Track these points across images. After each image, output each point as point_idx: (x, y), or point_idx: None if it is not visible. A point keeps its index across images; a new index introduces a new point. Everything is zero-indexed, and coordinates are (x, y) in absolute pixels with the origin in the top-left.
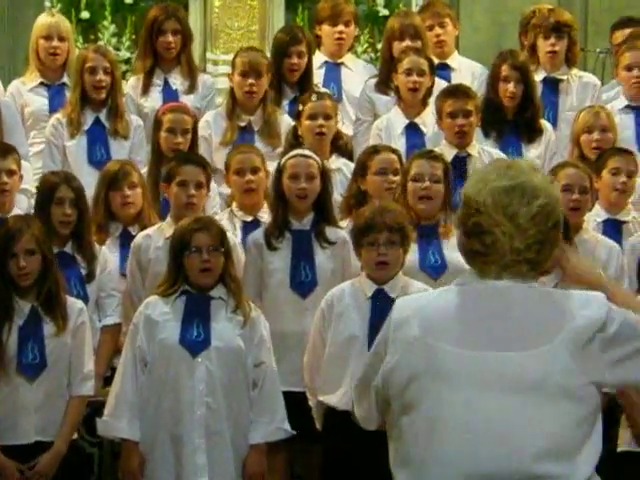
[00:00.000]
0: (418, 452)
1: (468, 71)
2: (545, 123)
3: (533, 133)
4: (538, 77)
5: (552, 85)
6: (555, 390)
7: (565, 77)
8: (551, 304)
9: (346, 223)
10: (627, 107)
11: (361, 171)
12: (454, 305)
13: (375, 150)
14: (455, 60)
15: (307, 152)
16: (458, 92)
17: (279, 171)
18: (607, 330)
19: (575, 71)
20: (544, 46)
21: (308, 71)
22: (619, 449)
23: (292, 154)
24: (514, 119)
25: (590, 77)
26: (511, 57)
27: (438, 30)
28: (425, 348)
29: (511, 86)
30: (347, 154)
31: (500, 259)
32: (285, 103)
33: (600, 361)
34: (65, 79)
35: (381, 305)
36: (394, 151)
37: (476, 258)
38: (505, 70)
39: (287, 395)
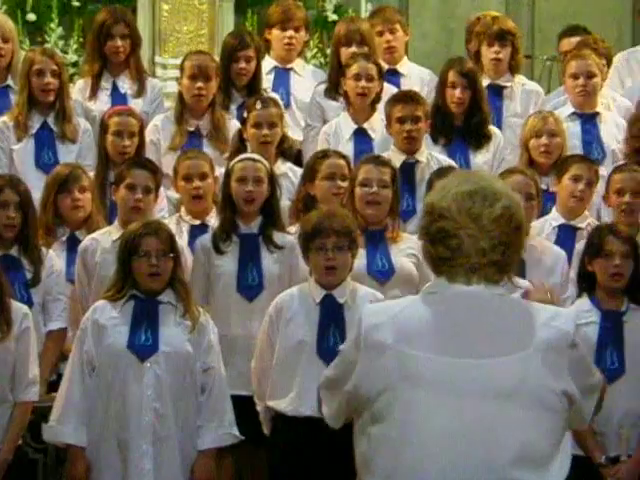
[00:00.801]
0: (392, 461)
1: (417, 77)
2: (494, 129)
3: (481, 139)
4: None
5: (496, 92)
6: (529, 397)
7: (509, 84)
8: (523, 313)
9: (294, 228)
10: (573, 114)
11: (309, 176)
12: (426, 312)
13: (324, 155)
14: (404, 66)
15: (255, 156)
16: (407, 98)
17: (227, 175)
18: (574, 350)
19: (518, 78)
20: (488, 53)
21: (257, 76)
22: None
23: (240, 158)
24: (462, 125)
25: (533, 85)
26: (458, 64)
27: (388, 36)
28: (399, 356)
29: (458, 92)
30: (292, 158)
31: (466, 261)
32: (234, 108)
33: (568, 373)
34: (9, 81)
35: (330, 310)
36: (343, 156)
37: (443, 264)
38: (452, 76)
39: (235, 399)
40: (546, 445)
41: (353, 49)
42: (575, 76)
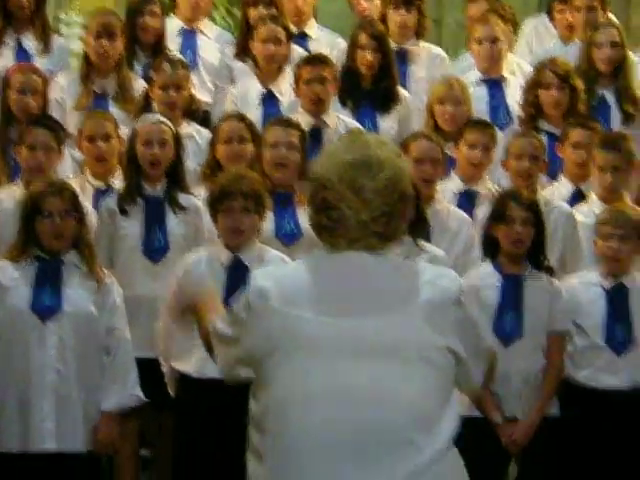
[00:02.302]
0: (280, 422)
1: (326, 41)
2: (403, 92)
3: (389, 103)
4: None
5: (401, 56)
6: (413, 354)
7: (414, 48)
8: (407, 272)
9: (203, 190)
10: (480, 79)
11: (214, 139)
12: (310, 276)
13: (222, 119)
14: (313, 29)
15: (161, 118)
16: (316, 60)
17: (132, 137)
18: (459, 309)
19: (423, 43)
20: (394, 17)
21: (161, 34)
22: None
23: (145, 120)
24: (371, 89)
25: (438, 50)
26: (370, 26)
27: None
28: (284, 318)
29: (369, 55)
30: (199, 120)
31: (347, 233)
32: (139, 67)
33: (453, 331)
34: None
35: (237, 272)
36: (242, 119)
37: (325, 232)
38: (363, 39)
39: (139, 361)
40: (434, 402)
41: (260, 10)
42: (480, 41)
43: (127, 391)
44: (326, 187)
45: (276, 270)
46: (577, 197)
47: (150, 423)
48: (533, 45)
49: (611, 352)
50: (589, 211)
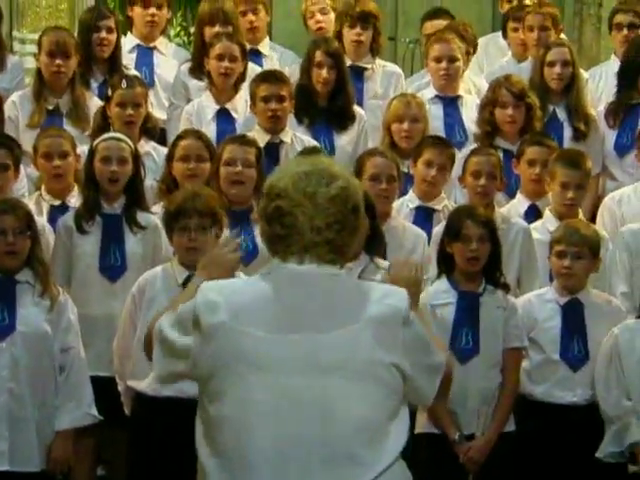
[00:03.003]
0: (230, 440)
1: (279, 58)
2: (358, 110)
3: (345, 120)
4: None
5: (357, 73)
6: (359, 370)
7: (369, 66)
8: (355, 291)
9: (159, 208)
10: (436, 97)
11: (170, 156)
12: (259, 291)
13: (180, 136)
14: (267, 46)
15: (119, 135)
16: (272, 77)
17: (91, 154)
18: (408, 327)
19: (379, 60)
20: (349, 35)
21: (117, 51)
22: (416, 431)
23: (104, 137)
24: (326, 106)
25: (393, 67)
26: (325, 43)
27: (251, 16)
28: (233, 334)
29: (325, 72)
30: (155, 137)
31: (301, 239)
32: (94, 85)
33: (400, 349)
34: None
35: None
36: (200, 137)
37: (278, 243)
38: (319, 56)
39: (95, 380)
40: (379, 418)
41: (217, 28)
42: (438, 59)
43: (82, 410)
44: (280, 196)
45: (226, 285)
46: (533, 213)
47: (106, 442)
48: (484, 63)
49: (567, 367)
50: (543, 228)
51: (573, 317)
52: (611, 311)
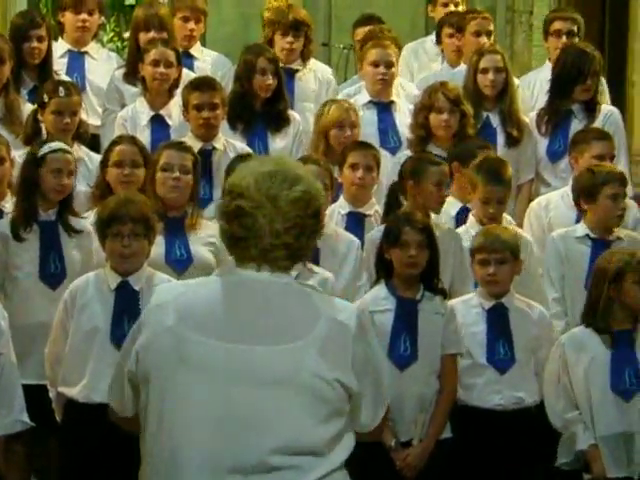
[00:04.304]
0: (163, 446)
1: (211, 63)
2: (293, 114)
3: (281, 122)
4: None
5: (288, 75)
6: (303, 386)
7: (301, 68)
8: (307, 304)
9: (92, 214)
10: (370, 102)
11: (105, 162)
12: (210, 296)
13: (114, 142)
14: (198, 50)
15: (67, 147)
16: (204, 85)
17: (31, 161)
18: (359, 343)
19: (311, 64)
20: (281, 42)
21: (48, 58)
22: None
23: (53, 148)
24: (263, 110)
25: (325, 70)
26: (267, 50)
27: (192, 24)
28: (176, 337)
29: (268, 79)
30: (86, 142)
31: (260, 242)
32: (24, 91)
33: (349, 365)
34: None
35: (125, 297)
36: (135, 142)
37: (236, 243)
38: (262, 63)
39: (35, 387)
40: (319, 434)
41: (152, 34)
42: (376, 64)
43: (12, 416)
44: (242, 195)
45: (176, 286)
46: (463, 215)
47: (37, 447)
48: (414, 69)
49: (494, 371)
50: (467, 234)
51: (498, 321)
52: (534, 315)
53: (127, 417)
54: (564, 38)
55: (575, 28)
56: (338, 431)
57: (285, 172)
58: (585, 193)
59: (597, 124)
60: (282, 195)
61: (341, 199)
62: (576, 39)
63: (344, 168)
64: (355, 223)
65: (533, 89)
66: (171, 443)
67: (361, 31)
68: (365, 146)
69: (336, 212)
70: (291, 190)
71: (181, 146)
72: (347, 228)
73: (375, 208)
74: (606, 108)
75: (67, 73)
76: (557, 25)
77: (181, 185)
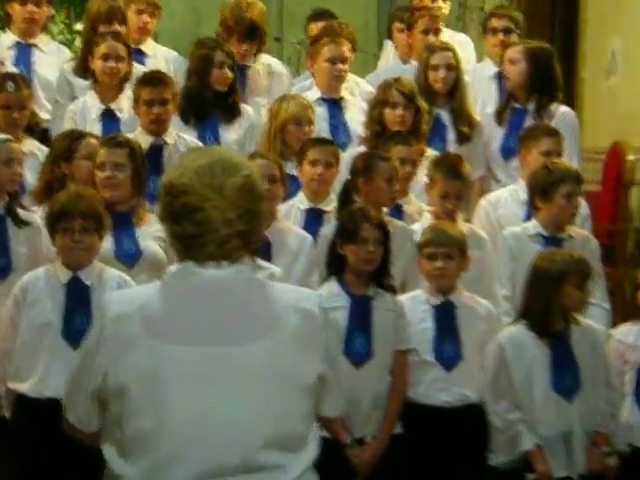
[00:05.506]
0: (148, 454)
1: (163, 58)
2: (246, 107)
3: (234, 115)
4: None
5: (240, 72)
6: (282, 381)
7: (252, 63)
8: (272, 297)
9: (40, 209)
10: (321, 99)
11: (65, 155)
12: (178, 301)
13: (81, 135)
14: (150, 46)
15: (11, 137)
16: (155, 80)
17: None
18: (323, 332)
19: (263, 58)
20: (236, 47)
21: None
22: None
23: (2, 139)
24: (214, 103)
25: (277, 65)
26: (223, 44)
27: (146, 18)
28: (149, 349)
29: (227, 72)
30: (38, 136)
31: (216, 235)
32: None
33: (323, 353)
34: None
35: (76, 292)
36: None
37: (191, 242)
38: (220, 56)
39: None
40: (302, 429)
41: (115, 27)
42: (332, 61)
43: None
44: (186, 192)
45: (136, 295)
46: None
47: None
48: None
49: (441, 368)
50: (422, 230)
51: (445, 318)
52: (481, 311)
53: (91, 432)
54: (501, 35)
55: (512, 25)
56: (312, 422)
57: (223, 161)
58: (540, 191)
59: (552, 124)
60: (227, 184)
61: (300, 195)
62: (514, 36)
63: (304, 164)
64: (314, 219)
65: (474, 84)
66: (154, 455)
67: (314, 26)
68: (325, 142)
69: (295, 208)
70: (234, 177)
71: (113, 142)
72: (306, 224)
73: (334, 204)
74: (561, 109)
75: (14, 65)
76: (494, 23)
77: (114, 183)
